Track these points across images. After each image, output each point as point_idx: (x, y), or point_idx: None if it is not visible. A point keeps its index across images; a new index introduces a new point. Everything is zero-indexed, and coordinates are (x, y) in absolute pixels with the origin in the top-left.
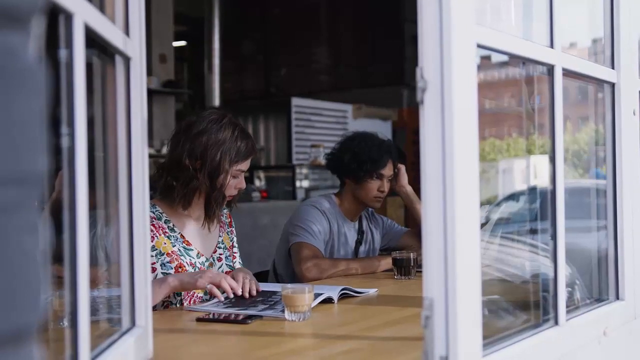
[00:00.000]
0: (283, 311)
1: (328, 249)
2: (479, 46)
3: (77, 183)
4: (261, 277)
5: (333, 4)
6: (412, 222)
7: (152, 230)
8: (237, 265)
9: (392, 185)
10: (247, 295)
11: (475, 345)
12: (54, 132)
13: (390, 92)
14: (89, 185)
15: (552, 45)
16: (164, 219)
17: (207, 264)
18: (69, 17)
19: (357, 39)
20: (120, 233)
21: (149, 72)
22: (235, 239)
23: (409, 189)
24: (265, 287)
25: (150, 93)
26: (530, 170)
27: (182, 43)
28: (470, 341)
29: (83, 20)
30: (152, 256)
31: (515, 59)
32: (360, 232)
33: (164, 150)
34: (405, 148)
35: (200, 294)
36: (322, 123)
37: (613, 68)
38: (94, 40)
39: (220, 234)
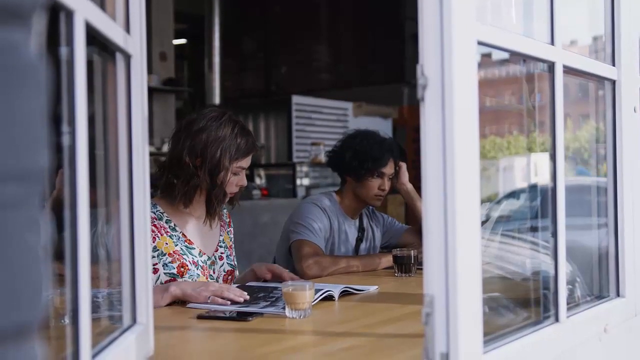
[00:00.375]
0: (284, 308)
1: (329, 247)
2: (480, 43)
3: (78, 181)
4: None
5: (333, 2)
6: (413, 220)
7: (153, 231)
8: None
9: (392, 183)
10: None
11: (476, 342)
12: (55, 130)
13: (390, 90)
14: (89, 183)
15: (552, 43)
16: (164, 218)
17: (209, 262)
18: (69, 14)
19: (357, 37)
20: (121, 231)
21: (150, 70)
22: (232, 238)
23: (409, 186)
24: (266, 284)
25: (151, 91)
26: (530, 168)
27: (183, 41)
28: (471, 338)
29: (84, 17)
30: (153, 257)
31: (516, 57)
32: (361, 229)
33: (165, 148)
34: (406, 146)
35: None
36: (322, 121)
37: (614, 65)
38: (94, 37)
39: (221, 233)
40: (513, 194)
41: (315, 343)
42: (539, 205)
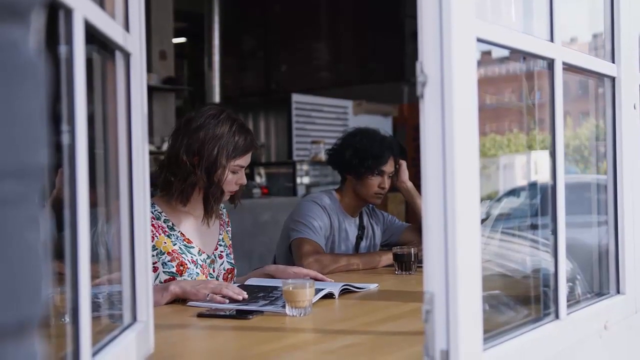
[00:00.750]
0: (284, 306)
1: (329, 245)
2: (479, 40)
3: (78, 180)
4: None
5: (333, 1)
6: (413, 218)
7: (151, 230)
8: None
9: (393, 181)
10: None
11: (476, 339)
12: (55, 129)
13: (390, 88)
14: (89, 182)
15: (552, 39)
16: (163, 218)
17: (208, 261)
18: (68, 12)
19: (357, 35)
20: (121, 229)
21: (149, 69)
22: (231, 236)
23: (409, 184)
24: (266, 282)
25: (151, 90)
26: (530, 166)
27: (182, 40)
28: (471, 335)
29: (83, 15)
30: (152, 256)
31: (516, 54)
32: (361, 227)
33: (164, 147)
34: (406, 144)
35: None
36: (322, 119)
37: (613, 62)
38: (93, 36)
39: (221, 231)
40: (513, 192)
41: (315, 341)
42: (539, 203)
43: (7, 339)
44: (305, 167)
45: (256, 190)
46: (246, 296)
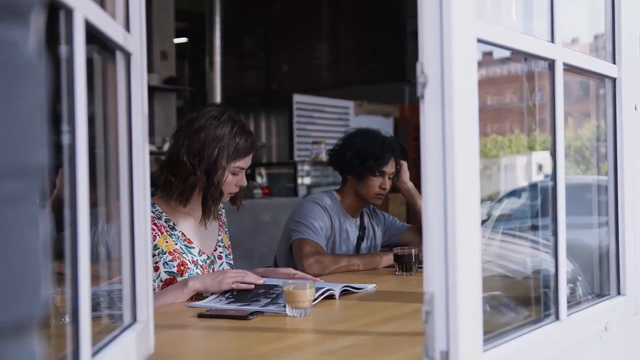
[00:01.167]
0: (284, 307)
1: (329, 245)
2: (480, 41)
3: (78, 180)
4: None
5: (334, 1)
6: (414, 219)
7: (153, 230)
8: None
9: (394, 181)
10: None
11: (476, 340)
12: (55, 129)
13: (391, 88)
14: (90, 182)
15: (553, 40)
16: (164, 218)
17: (208, 261)
18: (69, 12)
19: (358, 36)
20: (121, 229)
21: (150, 69)
22: (229, 237)
23: (410, 185)
24: (267, 282)
25: (152, 90)
26: (531, 167)
27: (183, 40)
28: (471, 336)
29: (83, 15)
30: (154, 255)
31: (517, 55)
32: (362, 228)
33: (165, 147)
34: (407, 144)
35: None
36: (323, 120)
37: (614, 63)
38: (94, 35)
39: (220, 232)
40: (514, 193)
41: (315, 341)
42: (540, 204)
43: (7, 339)
44: (306, 167)
45: (257, 191)
46: (263, 281)
